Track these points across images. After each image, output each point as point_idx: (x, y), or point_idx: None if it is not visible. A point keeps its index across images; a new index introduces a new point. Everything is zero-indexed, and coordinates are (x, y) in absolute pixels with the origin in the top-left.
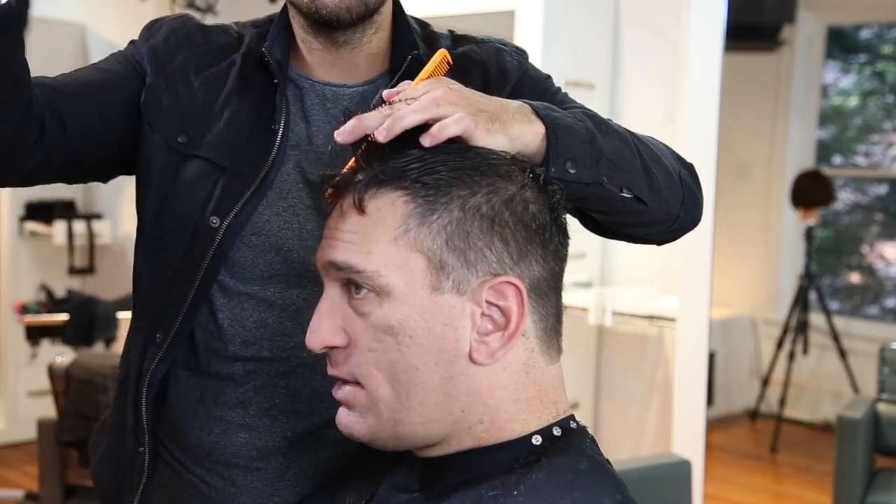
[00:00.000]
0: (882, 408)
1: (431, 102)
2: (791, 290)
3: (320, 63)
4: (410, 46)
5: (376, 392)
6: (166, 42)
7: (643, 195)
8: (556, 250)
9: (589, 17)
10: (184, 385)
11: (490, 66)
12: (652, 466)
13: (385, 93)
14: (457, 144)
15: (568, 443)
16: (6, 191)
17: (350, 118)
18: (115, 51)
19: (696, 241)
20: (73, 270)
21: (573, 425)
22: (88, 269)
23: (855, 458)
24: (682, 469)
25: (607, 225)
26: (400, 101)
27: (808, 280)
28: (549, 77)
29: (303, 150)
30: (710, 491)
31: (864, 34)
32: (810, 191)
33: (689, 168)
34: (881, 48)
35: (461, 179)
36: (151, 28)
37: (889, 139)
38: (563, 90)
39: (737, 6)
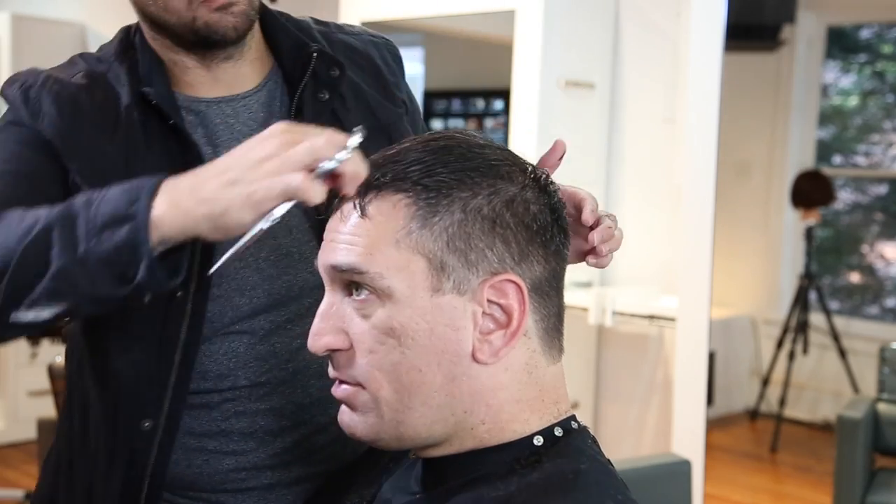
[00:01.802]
0: (882, 408)
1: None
2: (791, 290)
3: (202, 81)
4: (297, 41)
5: (379, 394)
6: (61, 113)
7: None
8: (557, 250)
9: (589, 17)
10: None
11: (374, 55)
12: (652, 466)
13: None
14: (457, 147)
15: (569, 443)
16: None
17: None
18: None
19: (696, 241)
20: None
21: (574, 425)
22: None
23: (855, 457)
24: (682, 469)
25: None
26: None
27: (808, 280)
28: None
29: None
30: (710, 491)
31: (864, 34)
32: (810, 191)
33: None
34: (881, 48)
35: (462, 181)
36: (28, 95)
37: (889, 139)
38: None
39: (737, 6)
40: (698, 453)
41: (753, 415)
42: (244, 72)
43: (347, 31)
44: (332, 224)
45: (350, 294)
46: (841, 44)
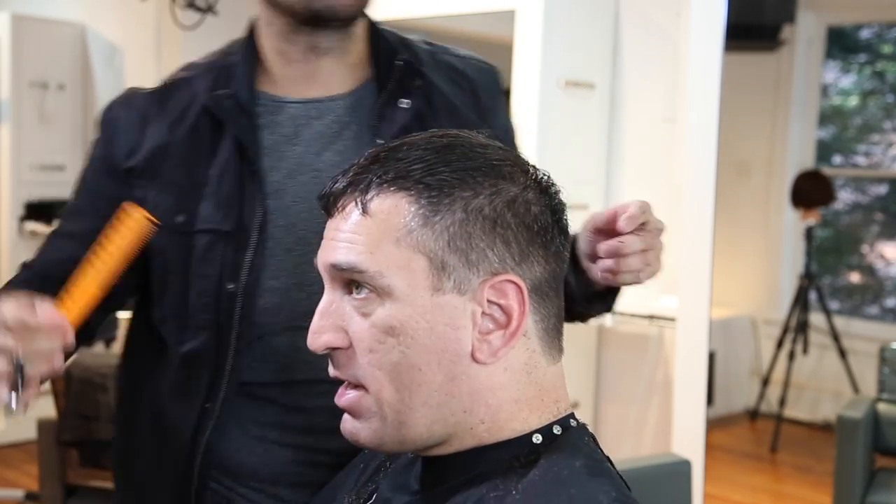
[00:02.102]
0: (882, 408)
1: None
2: (791, 290)
3: (299, 76)
4: (393, 52)
5: (379, 394)
6: (129, 140)
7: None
8: (557, 252)
9: (589, 17)
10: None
11: (474, 76)
12: (652, 466)
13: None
14: (460, 146)
15: (566, 440)
16: (6, 191)
17: None
18: (89, 167)
19: (696, 241)
20: None
21: (573, 423)
22: None
23: (855, 457)
24: (682, 469)
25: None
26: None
27: (808, 280)
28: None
29: (299, 176)
30: (710, 491)
31: (864, 34)
32: (810, 191)
33: None
34: (881, 48)
35: (464, 180)
36: (107, 125)
37: (889, 139)
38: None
39: (737, 6)
40: (698, 453)
41: (753, 415)
42: (340, 74)
43: (455, 53)
44: (332, 222)
45: (350, 292)
46: (841, 44)
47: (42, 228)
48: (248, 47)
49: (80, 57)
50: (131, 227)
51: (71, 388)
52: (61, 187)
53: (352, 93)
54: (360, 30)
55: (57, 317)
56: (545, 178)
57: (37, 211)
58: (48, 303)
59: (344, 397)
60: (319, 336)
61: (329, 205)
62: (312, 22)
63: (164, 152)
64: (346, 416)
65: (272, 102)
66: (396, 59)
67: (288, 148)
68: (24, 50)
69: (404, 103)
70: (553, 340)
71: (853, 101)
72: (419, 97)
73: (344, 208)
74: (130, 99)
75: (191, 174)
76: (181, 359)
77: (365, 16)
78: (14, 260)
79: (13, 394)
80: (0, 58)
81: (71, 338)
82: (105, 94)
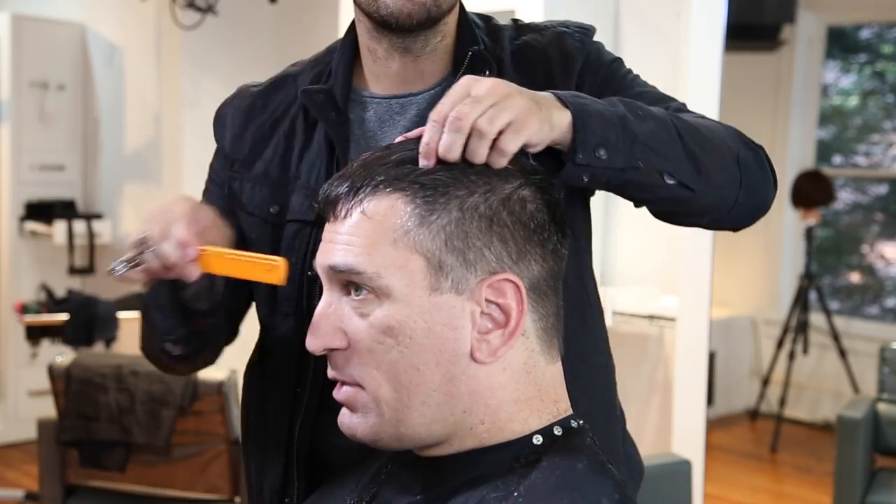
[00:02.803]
0: (882, 408)
1: (490, 125)
2: (791, 290)
3: (385, 73)
4: (471, 43)
5: (377, 393)
6: (233, 132)
7: (687, 180)
8: (554, 249)
9: (589, 17)
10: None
11: (551, 52)
12: (652, 466)
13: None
14: None
15: (568, 442)
16: (6, 191)
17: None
18: (211, 170)
19: (696, 241)
20: (73, 270)
21: (574, 424)
22: (88, 269)
23: (855, 457)
24: (682, 469)
25: (658, 215)
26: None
27: (808, 280)
28: (616, 59)
29: None
30: (710, 491)
31: (864, 34)
32: (810, 191)
33: (754, 148)
34: (881, 48)
35: (459, 180)
36: (217, 121)
37: (889, 139)
38: (635, 74)
39: (737, 6)
40: (698, 453)
41: (753, 415)
42: (425, 69)
43: (536, 27)
44: (329, 225)
45: (348, 293)
46: (841, 44)
47: (42, 228)
48: (348, 43)
49: (80, 57)
50: (269, 273)
51: (71, 388)
52: (61, 187)
53: (433, 88)
54: (450, 26)
55: (190, 238)
56: (540, 175)
57: (37, 211)
58: (196, 231)
59: (341, 391)
60: (318, 338)
61: (326, 208)
62: (383, 26)
63: (262, 147)
64: (343, 410)
65: (363, 98)
66: (469, 49)
67: (373, 143)
68: (24, 50)
69: None
70: (552, 340)
71: (853, 101)
72: None
73: (341, 211)
74: (238, 95)
75: (286, 167)
76: (272, 343)
77: (453, 12)
78: (14, 260)
79: (124, 264)
80: (0, 58)
81: (192, 269)
82: (105, 94)
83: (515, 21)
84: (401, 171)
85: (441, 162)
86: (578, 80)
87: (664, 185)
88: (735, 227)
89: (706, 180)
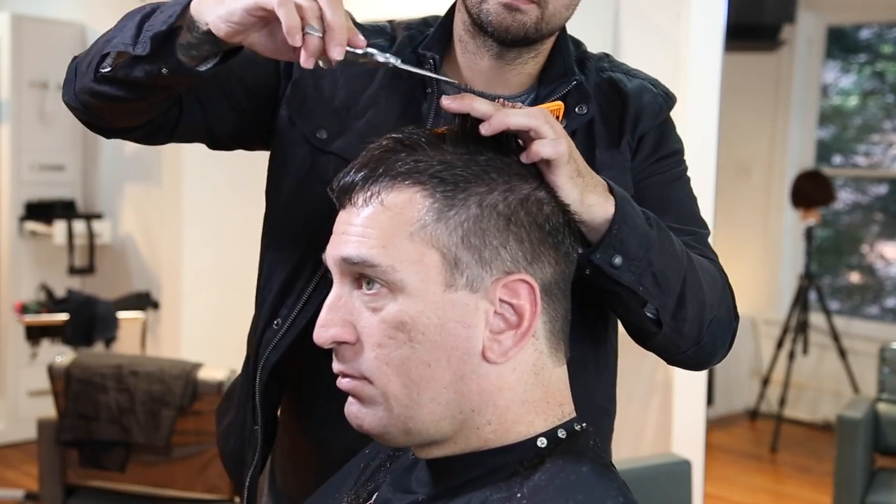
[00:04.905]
0: (882, 408)
1: (542, 116)
2: (791, 290)
3: (470, 67)
4: (565, 72)
5: (387, 388)
6: None
7: (664, 319)
8: (567, 253)
9: (589, 17)
10: (303, 373)
11: (632, 100)
12: (652, 466)
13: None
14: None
15: (572, 445)
16: (6, 191)
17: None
18: None
19: None
20: (73, 270)
21: (577, 427)
22: (88, 269)
23: (855, 457)
24: (682, 469)
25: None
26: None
27: (808, 280)
28: (678, 149)
29: None
30: (710, 491)
31: (864, 34)
32: (810, 191)
33: (729, 318)
34: (881, 48)
35: (479, 176)
36: None
37: (889, 139)
38: (686, 175)
39: (737, 6)
40: (698, 453)
41: (753, 415)
42: (510, 78)
43: (626, 69)
44: (343, 216)
45: (360, 287)
46: (841, 44)
47: (42, 228)
48: (444, 24)
49: None
50: None
51: (71, 388)
52: (61, 187)
53: (513, 98)
54: (546, 47)
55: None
56: None
57: (37, 211)
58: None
59: (345, 380)
60: (327, 329)
61: (341, 196)
62: (481, 29)
63: (332, 72)
64: (350, 399)
65: (446, 84)
66: (569, 79)
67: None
68: (24, 50)
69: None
70: (559, 342)
71: (853, 102)
72: (577, 122)
73: (356, 201)
74: None
75: (348, 101)
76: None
77: (552, 34)
78: (14, 260)
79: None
80: (0, 58)
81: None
82: None
83: (606, 55)
84: (420, 164)
85: (463, 147)
86: (639, 142)
87: (640, 313)
88: (667, 361)
89: (676, 327)
